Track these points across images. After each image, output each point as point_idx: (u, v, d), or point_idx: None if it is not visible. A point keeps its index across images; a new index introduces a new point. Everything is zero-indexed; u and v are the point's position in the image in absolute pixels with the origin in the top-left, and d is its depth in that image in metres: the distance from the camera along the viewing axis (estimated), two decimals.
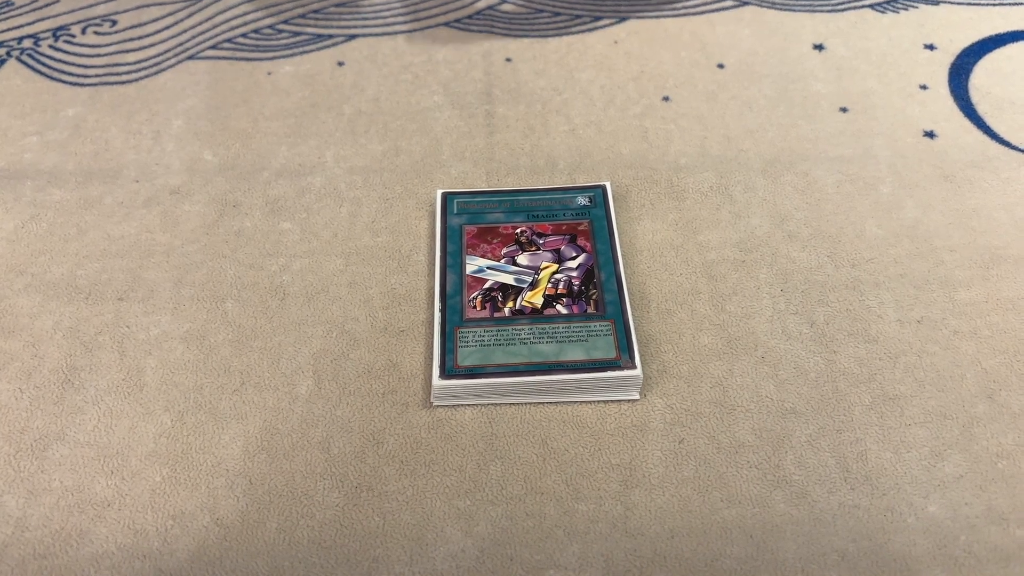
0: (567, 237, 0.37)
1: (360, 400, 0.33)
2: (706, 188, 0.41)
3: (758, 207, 0.40)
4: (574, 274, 0.35)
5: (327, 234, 0.39)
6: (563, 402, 0.33)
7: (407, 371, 0.34)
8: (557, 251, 0.36)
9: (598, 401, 0.33)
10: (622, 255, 0.37)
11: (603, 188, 0.39)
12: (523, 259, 0.36)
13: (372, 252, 0.38)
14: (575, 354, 0.33)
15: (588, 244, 0.36)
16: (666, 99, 0.45)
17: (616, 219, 0.38)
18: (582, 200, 0.38)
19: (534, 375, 0.32)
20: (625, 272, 0.36)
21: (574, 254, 0.36)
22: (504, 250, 0.36)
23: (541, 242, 0.37)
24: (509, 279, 0.35)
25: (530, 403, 0.33)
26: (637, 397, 0.33)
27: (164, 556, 0.29)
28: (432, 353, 0.34)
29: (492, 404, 0.33)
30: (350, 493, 0.31)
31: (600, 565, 0.29)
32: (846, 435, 0.32)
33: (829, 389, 0.33)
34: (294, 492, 0.31)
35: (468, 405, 0.33)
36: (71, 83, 0.47)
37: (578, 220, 0.37)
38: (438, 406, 0.33)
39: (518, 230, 0.37)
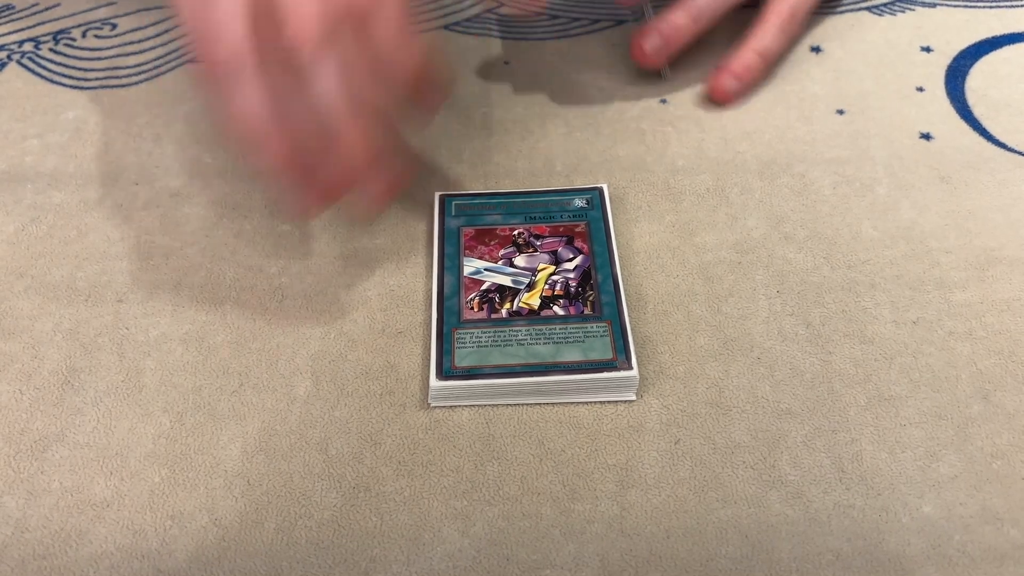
0: (564, 239, 0.37)
1: (358, 401, 0.33)
2: (703, 190, 0.41)
3: (755, 209, 0.40)
4: (571, 276, 0.35)
5: (325, 236, 0.39)
6: (560, 403, 0.33)
7: (405, 372, 0.34)
8: (554, 253, 0.36)
9: (594, 402, 0.33)
10: (619, 257, 0.37)
11: (600, 190, 0.39)
12: (520, 261, 0.36)
13: (370, 254, 0.38)
14: (572, 355, 0.33)
15: (585, 246, 0.37)
16: (663, 101, 0.46)
17: (613, 221, 0.38)
18: (579, 202, 0.38)
19: (531, 376, 0.32)
20: (622, 274, 0.36)
21: (571, 256, 0.36)
22: (501, 252, 0.36)
23: (538, 244, 0.37)
24: (506, 281, 0.35)
25: (527, 404, 0.33)
26: (633, 398, 0.33)
27: (163, 556, 0.29)
28: (429, 354, 0.34)
29: (489, 405, 0.33)
30: (348, 494, 0.31)
31: (596, 565, 0.29)
32: (841, 435, 0.32)
33: (825, 390, 0.33)
34: (292, 493, 0.31)
35: (465, 406, 0.33)
36: (71, 86, 0.47)
37: (575, 222, 0.38)
38: (435, 407, 0.33)
39: (515, 232, 0.37)
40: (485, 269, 0.36)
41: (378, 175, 0.33)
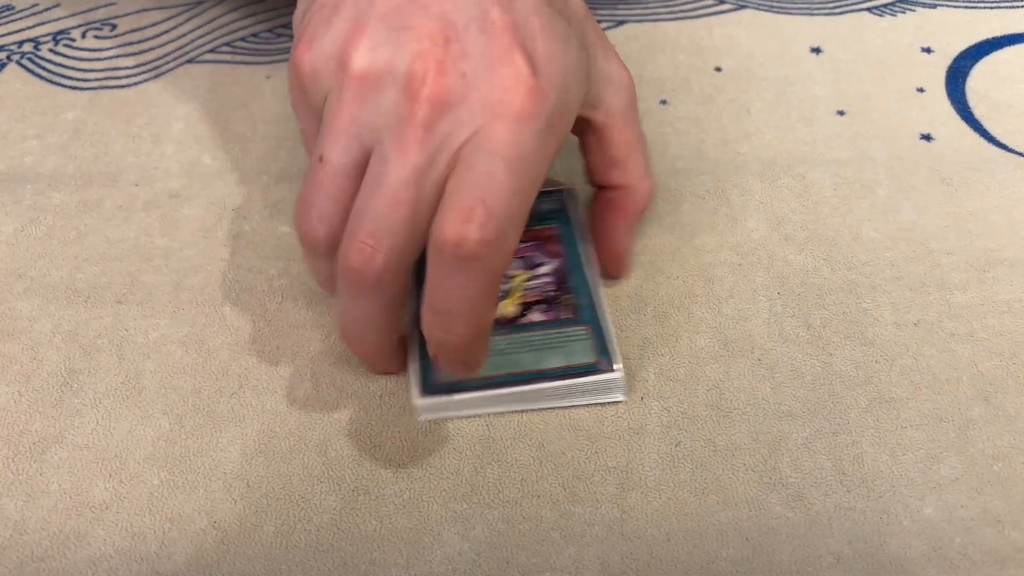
0: (535, 244, 0.36)
1: (358, 403, 0.33)
2: (703, 192, 0.41)
3: (755, 210, 0.40)
4: (546, 280, 0.35)
5: None
6: (548, 409, 0.33)
7: (405, 375, 0.34)
8: (526, 259, 0.36)
9: (587, 405, 0.33)
10: (596, 257, 0.36)
11: (565, 192, 0.38)
12: None
13: None
14: (555, 361, 0.32)
15: (557, 249, 0.36)
16: (664, 102, 0.45)
17: (581, 222, 0.37)
18: (546, 205, 0.38)
19: (515, 386, 0.32)
20: (603, 275, 0.36)
21: (544, 260, 0.36)
22: None
23: None
24: None
25: (515, 412, 0.33)
26: (622, 399, 0.33)
27: (162, 559, 0.29)
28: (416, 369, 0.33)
29: (479, 415, 0.33)
30: (347, 496, 0.31)
31: (596, 568, 0.29)
32: (842, 438, 0.32)
33: (825, 392, 0.33)
34: (291, 495, 0.31)
35: (456, 417, 0.33)
36: (71, 87, 0.47)
37: (544, 226, 0.37)
38: (425, 420, 0.33)
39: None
40: None
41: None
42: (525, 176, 0.27)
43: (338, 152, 0.28)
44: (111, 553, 0.29)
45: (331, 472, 0.31)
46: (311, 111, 0.29)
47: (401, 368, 0.34)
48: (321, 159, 0.28)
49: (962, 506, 0.30)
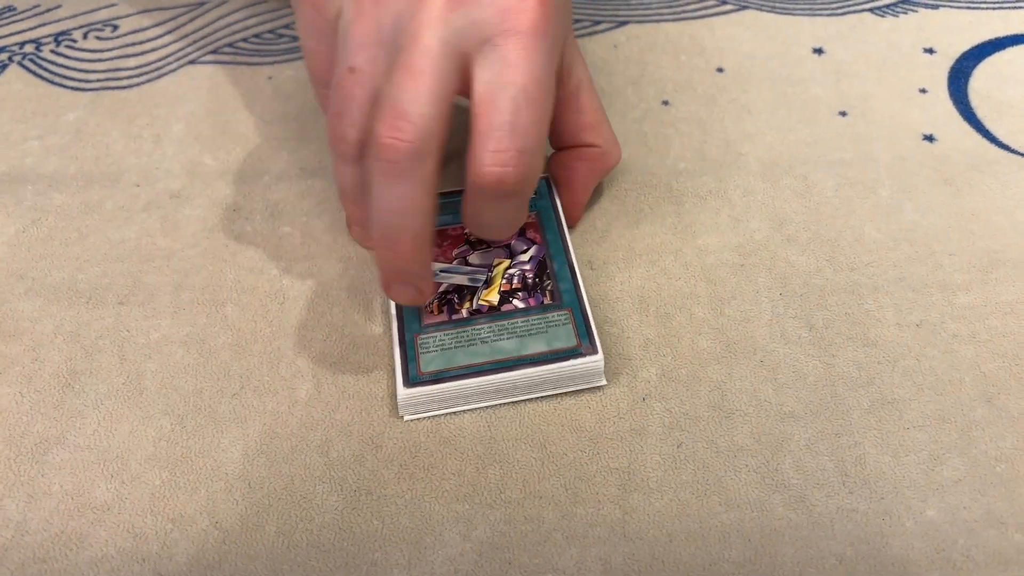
0: (516, 231, 0.36)
1: (359, 404, 0.33)
2: (704, 192, 0.41)
3: (757, 211, 0.40)
4: (527, 267, 0.35)
5: (327, 239, 0.39)
6: (533, 398, 0.33)
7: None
8: (508, 246, 0.36)
9: (569, 391, 0.33)
10: (573, 244, 0.36)
11: (546, 179, 0.39)
12: (475, 258, 0.36)
13: (371, 257, 0.38)
14: (536, 347, 0.33)
15: (538, 236, 0.36)
16: (665, 103, 0.45)
17: (561, 209, 0.37)
18: None
19: (498, 372, 0.32)
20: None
21: (525, 247, 0.36)
22: (455, 251, 0.36)
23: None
24: (463, 280, 0.35)
25: (500, 403, 0.33)
26: (604, 382, 0.33)
27: (163, 560, 0.29)
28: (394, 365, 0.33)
29: (464, 410, 0.33)
30: (349, 497, 0.31)
31: (598, 569, 0.29)
32: (844, 439, 0.32)
33: (828, 393, 0.33)
34: (293, 496, 0.31)
35: (441, 414, 0.33)
36: (72, 88, 0.47)
37: None
38: (408, 419, 0.33)
39: (467, 230, 0.37)
40: (441, 271, 0.35)
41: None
42: (544, 103, 0.28)
43: (367, 61, 0.29)
44: (113, 554, 0.29)
45: (333, 472, 0.31)
46: (323, 28, 0.31)
47: (433, 291, 0.34)
48: (352, 70, 0.29)
49: (965, 508, 0.30)
